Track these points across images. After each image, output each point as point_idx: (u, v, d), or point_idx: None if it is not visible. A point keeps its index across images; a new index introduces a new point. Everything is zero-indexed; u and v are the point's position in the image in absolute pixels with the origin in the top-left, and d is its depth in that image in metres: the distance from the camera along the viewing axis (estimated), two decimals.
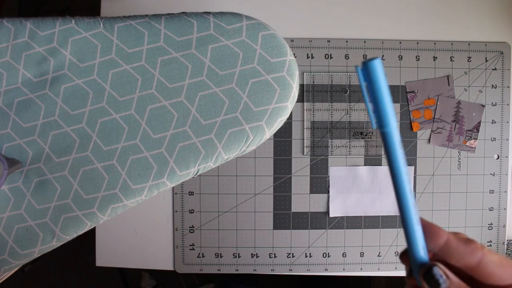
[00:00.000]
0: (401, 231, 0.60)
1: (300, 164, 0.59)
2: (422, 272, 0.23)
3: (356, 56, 0.59)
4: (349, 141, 0.59)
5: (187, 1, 0.58)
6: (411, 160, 0.60)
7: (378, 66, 0.22)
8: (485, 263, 0.22)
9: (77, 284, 1.29)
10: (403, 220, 0.25)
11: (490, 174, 0.60)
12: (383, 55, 0.59)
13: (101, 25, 0.41)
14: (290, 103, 0.42)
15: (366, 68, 0.22)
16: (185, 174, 0.41)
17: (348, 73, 0.59)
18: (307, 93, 0.59)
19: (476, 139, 0.60)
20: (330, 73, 0.59)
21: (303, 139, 0.59)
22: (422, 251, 0.24)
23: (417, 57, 0.59)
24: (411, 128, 0.59)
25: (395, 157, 0.23)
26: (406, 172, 0.24)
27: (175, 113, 0.41)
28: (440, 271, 0.22)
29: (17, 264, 0.42)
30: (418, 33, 0.60)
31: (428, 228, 0.24)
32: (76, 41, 0.41)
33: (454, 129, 0.60)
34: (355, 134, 0.59)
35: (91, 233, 0.53)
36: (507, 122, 0.60)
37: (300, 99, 0.58)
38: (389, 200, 0.60)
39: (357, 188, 0.59)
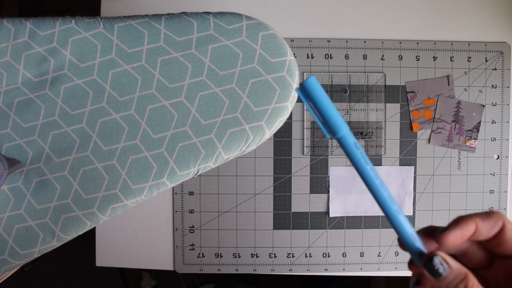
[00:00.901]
0: None
1: (300, 164, 0.59)
2: (423, 262, 0.23)
3: (356, 56, 0.59)
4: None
5: (187, 1, 0.58)
6: (411, 160, 0.60)
7: (313, 83, 0.23)
8: (506, 232, 0.23)
9: (77, 284, 1.29)
10: (385, 214, 0.25)
11: (490, 174, 0.60)
12: (383, 55, 0.59)
13: (101, 25, 0.41)
14: (290, 103, 0.42)
15: (304, 88, 0.24)
16: (185, 174, 0.41)
17: (348, 73, 0.59)
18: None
19: (476, 139, 0.60)
20: (330, 73, 0.59)
21: (303, 139, 0.59)
22: (414, 240, 0.24)
23: (417, 57, 0.59)
24: (411, 128, 0.59)
25: (355, 157, 0.24)
26: (371, 168, 0.25)
27: (175, 113, 0.41)
28: (440, 259, 0.23)
29: (17, 264, 0.42)
30: (418, 33, 0.60)
31: (457, 225, 0.24)
32: (76, 41, 0.41)
33: (454, 129, 0.60)
34: (355, 134, 0.59)
35: (91, 233, 0.53)
36: (507, 122, 0.60)
37: (300, 99, 0.58)
38: None
39: (357, 188, 0.59)
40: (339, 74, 0.59)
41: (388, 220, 0.25)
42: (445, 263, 0.23)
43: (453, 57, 0.60)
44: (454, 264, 0.23)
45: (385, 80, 0.59)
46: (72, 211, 0.41)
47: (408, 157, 0.60)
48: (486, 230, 0.23)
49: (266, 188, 0.59)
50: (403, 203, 0.60)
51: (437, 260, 0.23)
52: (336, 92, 0.59)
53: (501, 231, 0.23)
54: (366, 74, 0.59)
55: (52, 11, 1.28)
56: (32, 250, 0.41)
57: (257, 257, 0.60)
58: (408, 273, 0.61)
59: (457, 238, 0.24)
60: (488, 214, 0.24)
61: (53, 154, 0.41)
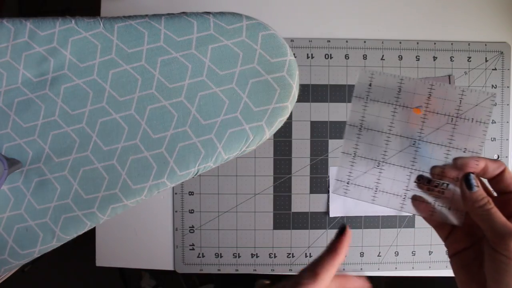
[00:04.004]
0: (401, 231, 0.60)
1: (300, 164, 0.59)
2: (462, 177, 0.32)
3: (356, 56, 0.59)
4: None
5: (187, 1, 0.58)
6: None
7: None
8: (506, 174, 0.31)
9: (77, 284, 1.29)
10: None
11: None
12: (383, 55, 0.59)
13: (101, 25, 0.41)
14: (290, 103, 0.42)
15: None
16: (185, 174, 0.41)
17: (348, 73, 0.59)
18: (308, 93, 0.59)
19: None
20: (330, 73, 0.59)
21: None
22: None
23: (417, 57, 0.59)
24: None
25: None
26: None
27: (175, 113, 0.41)
28: (473, 176, 0.31)
29: (17, 264, 0.42)
30: (418, 33, 0.60)
31: (474, 157, 0.32)
32: (76, 41, 0.41)
33: None
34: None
35: (91, 233, 0.53)
36: (507, 122, 0.60)
37: (301, 99, 0.58)
38: None
39: None
40: (339, 74, 0.59)
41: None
42: (476, 181, 0.31)
43: (453, 57, 0.60)
44: (480, 187, 0.31)
45: None
46: (72, 211, 0.41)
47: None
48: (493, 168, 0.32)
49: (266, 188, 0.59)
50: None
51: (472, 176, 0.31)
52: (336, 92, 0.59)
53: (502, 172, 0.32)
54: None
55: (52, 11, 1.28)
56: (32, 250, 0.41)
57: (257, 257, 0.60)
58: (408, 273, 0.61)
59: (473, 166, 0.32)
60: (495, 160, 0.32)
61: (53, 154, 0.41)
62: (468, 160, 0.32)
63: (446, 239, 0.35)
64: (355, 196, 0.38)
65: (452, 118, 0.35)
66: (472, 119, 0.34)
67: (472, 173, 0.31)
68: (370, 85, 0.37)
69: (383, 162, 0.37)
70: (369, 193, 0.38)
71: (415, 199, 0.35)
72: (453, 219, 0.34)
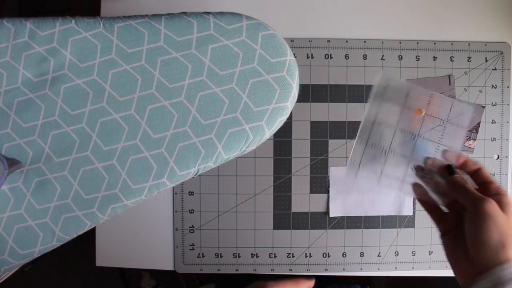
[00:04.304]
0: (401, 231, 0.60)
1: (300, 164, 0.59)
2: (446, 166, 0.41)
3: (356, 56, 0.59)
4: (348, 141, 0.59)
5: (187, 1, 0.58)
6: None
7: None
8: (481, 170, 0.40)
9: (77, 284, 1.29)
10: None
11: (490, 174, 0.60)
12: (383, 55, 0.59)
13: (101, 25, 0.41)
14: (290, 103, 0.42)
15: None
16: (185, 174, 0.41)
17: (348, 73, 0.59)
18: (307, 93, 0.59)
19: (475, 139, 0.60)
20: (330, 73, 0.59)
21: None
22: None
23: (417, 57, 0.59)
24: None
25: None
26: None
27: (175, 113, 0.41)
28: (455, 168, 0.40)
29: (17, 264, 0.42)
30: (418, 33, 0.60)
31: (456, 156, 0.41)
32: (76, 41, 0.41)
33: None
34: (355, 134, 0.59)
35: (91, 233, 0.53)
36: (507, 122, 0.60)
37: (301, 99, 0.58)
38: (389, 200, 0.60)
39: (357, 188, 0.59)
40: (339, 74, 0.59)
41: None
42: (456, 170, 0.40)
43: (453, 57, 0.60)
44: (459, 174, 0.40)
45: None
46: (72, 211, 0.41)
47: None
48: (470, 164, 0.40)
49: (266, 188, 0.59)
50: (403, 203, 0.60)
51: (453, 166, 0.40)
52: (335, 92, 0.59)
53: (479, 169, 0.40)
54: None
55: (52, 11, 1.28)
56: (32, 250, 0.41)
57: (257, 257, 0.60)
58: (408, 273, 0.61)
59: (455, 159, 0.41)
60: (474, 161, 0.41)
61: (53, 154, 0.41)
62: (453, 153, 0.42)
63: (439, 222, 0.42)
64: (364, 178, 0.46)
65: (443, 122, 0.45)
66: (457, 124, 0.44)
67: (454, 167, 0.41)
68: (385, 88, 0.45)
69: (389, 151, 0.45)
70: (375, 177, 0.46)
71: (415, 185, 0.44)
72: (438, 200, 0.42)
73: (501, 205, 0.36)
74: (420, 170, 0.43)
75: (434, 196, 0.43)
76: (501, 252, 0.34)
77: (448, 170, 0.40)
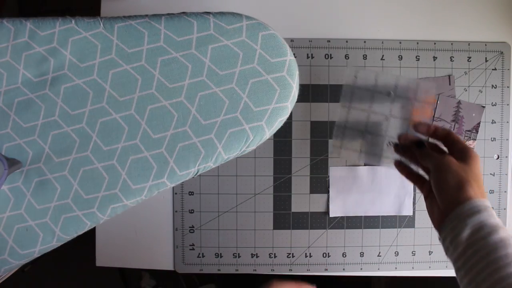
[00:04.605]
0: (400, 231, 0.60)
1: (300, 164, 0.59)
2: (415, 141, 0.46)
3: (356, 56, 0.59)
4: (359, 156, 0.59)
5: (187, 1, 0.58)
6: None
7: None
8: (451, 134, 0.44)
9: (77, 284, 1.29)
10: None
11: (490, 174, 0.60)
12: (383, 55, 0.59)
13: (101, 25, 0.41)
14: (290, 103, 0.42)
15: None
16: (185, 174, 0.41)
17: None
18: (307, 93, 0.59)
19: (475, 140, 0.60)
20: (331, 73, 0.59)
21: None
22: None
23: (417, 57, 0.59)
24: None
25: None
26: None
27: (175, 113, 0.41)
28: (423, 142, 0.46)
29: (17, 264, 0.42)
30: (418, 33, 0.60)
31: (426, 127, 0.47)
32: (76, 41, 0.41)
33: (453, 129, 0.60)
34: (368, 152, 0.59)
35: (91, 233, 0.53)
36: (507, 122, 0.60)
37: (301, 99, 0.58)
38: (389, 200, 0.60)
39: (357, 188, 0.59)
40: (339, 74, 0.59)
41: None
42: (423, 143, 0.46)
43: (453, 57, 0.60)
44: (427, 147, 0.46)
45: None
46: (72, 211, 0.41)
47: None
48: (441, 130, 0.45)
49: (266, 188, 0.59)
50: (403, 203, 0.60)
51: (422, 141, 0.45)
52: (335, 92, 0.59)
53: (449, 133, 0.45)
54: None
55: (52, 11, 1.28)
56: (32, 250, 0.41)
57: (257, 257, 0.60)
58: (408, 273, 0.61)
59: (424, 129, 0.46)
60: (444, 128, 0.46)
61: (53, 154, 0.41)
62: (423, 124, 0.47)
63: (421, 187, 0.47)
64: (345, 157, 0.54)
65: (411, 101, 0.51)
66: (423, 101, 0.50)
67: (421, 140, 0.46)
68: (355, 76, 0.51)
69: (365, 132, 0.52)
70: (355, 155, 0.53)
71: (396, 163, 0.50)
72: (417, 168, 0.48)
73: (463, 156, 0.42)
74: (396, 146, 0.50)
75: (414, 166, 0.49)
76: (459, 194, 0.39)
77: (417, 143, 0.46)
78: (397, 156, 0.50)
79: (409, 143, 0.47)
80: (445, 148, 0.45)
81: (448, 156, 0.43)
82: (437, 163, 0.43)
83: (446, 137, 0.45)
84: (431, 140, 0.47)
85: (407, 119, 0.50)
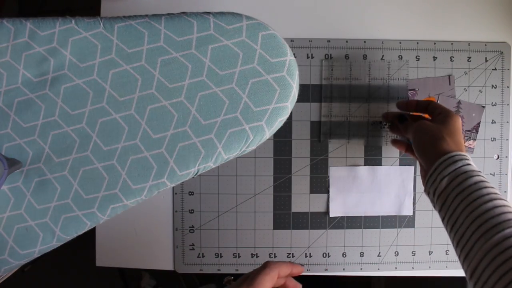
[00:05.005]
0: (400, 231, 0.60)
1: (300, 164, 0.59)
2: (397, 117, 0.53)
3: (356, 56, 0.59)
4: (348, 141, 0.59)
5: (187, 1, 0.58)
6: (411, 160, 0.60)
7: None
8: (432, 103, 0.49)
9: (77, 284, 1.29)
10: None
11: (490, 174, 0.60)
12: (383, 55, 0.59)
13: (101, 25, 0.41)
14: (290, 103, 0.42)
15: None
16: (185, 174, 0.41)
17: (351, 73, 0.59)
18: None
19: (475, 139, 0.60)
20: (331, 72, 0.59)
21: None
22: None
23: (417, 57, 0.59)
24: None
25: None
26: None
27: (175, 113, 0.41)
28: (404, 117, 0.52)
29: (17, 264, 0.42)
30: (418, 33, 0.60)
31: (406, 103, 0.53)
32: (76, 41, 0.41)
33: None
34: (354, 134, 0.59)
35: (91, 233, 0.53)
36: (507, 122, 0.60)
37: (301, 99, 0.58)
38: (389, 200, 0.60)
39: (357, 188, 0.59)
40: (340, 72, 0.59)
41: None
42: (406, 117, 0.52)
43: (453, 57, 0.60)
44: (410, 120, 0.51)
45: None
46: (72, 211, 0.41)
47: (408, 157, 0.59)
48: (423, 102, 0.51)
49: (266, 188, 0.59)
50: (403, 203, 0.60)
51: (404, 116, 0.52)
52: (335, 92, 0.59)
53: (430, 102, 0.49)
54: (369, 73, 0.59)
55: (52, 11, 1.28)
56: (32, 250, 0.41)
57: (257, 257, 0.60)
58: (408, 273, 0.61)
59: (404, 105, 0.53)
60: (424, 100, 0.53)
61: (53, 154, 0.41)
62: (403, 101, 0.54)
63: (406, 150, 0.54)
64: (335, 143, 0.59)
65: (386, 80, 0.58)
66: (398, 78, 0.58)
67: (403, 114, 0.52)
68: (332, 69, 0.58)
69: (349, 117, 0.58)
70: (344, 139, 0.59)
71: (393, 141, 0.57)
72: (404, 139, 0.55)
73: (442, 118, 0.46)
74: (391, 126, 0.56)
75: (404, 138, 0.56)
76: (435, 150, 0.43)
77: (399, 119, 0.52)
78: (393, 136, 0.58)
79: (392, 119, 0.53)
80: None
81: (421, 120, 0.47)
82: (413, 129, 0.47)
83: (427, 107, 0.49)
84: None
85: (385, 98, 0.57)
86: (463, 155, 0.41)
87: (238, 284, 0.36)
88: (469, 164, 0.40)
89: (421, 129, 0.46)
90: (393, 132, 0.56)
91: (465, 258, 0.36)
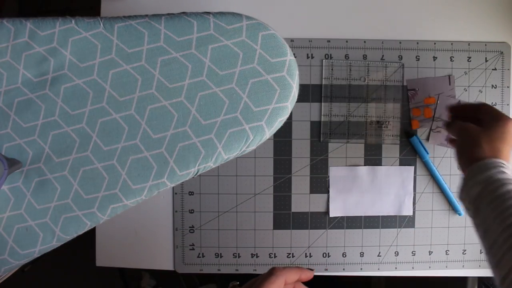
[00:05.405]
0: (400, 231, 0.60)
1: (300, 164, 0.59)
2: (445, 123, 0.53)
3: (356, 56, 0.59)
4: (348, 141, 0.59)
5: (187, 1, 0.58)
6: (411, 160, 0.60)
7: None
8: (483, 106, 0.48)
9: (77, 284, 1.29)
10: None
11: None
12: (383, 55, 0.59)
13: (101, 25, 0.41)
14: (290, 103, 0.42)
15: None
16: (185, 174, 0.41)
17: (350, 73, 0.59)
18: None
19: None
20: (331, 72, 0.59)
21: (320, 125, 0.59)
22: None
23: (417, 57, 0.59)
24: (411, 126, 0.59)
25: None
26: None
27: (175, 113, 0.41)
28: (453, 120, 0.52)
29: (17, 264, 0.42)
30: (418, 33, 0.60)
31: (453, 105, 0.53)
32: (76, 41, 0.41)
33: None
34: (354, 134, 0.59)
35: (91, 233, 0.53)
36: None
37: (301, 99, 0.58)
38: (389, 200, 0.60)
39: (357, 188, 0.59)
40: (341, 74, 0.59)
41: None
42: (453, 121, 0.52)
43: (453, 57, 0.60)
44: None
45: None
46: (72, 211, 0.41)
47: (408, 157, 0.60)
48: (472, 104, 0.50)
49: (266, 188, 0.59)
50: (403, 203, 0.60)
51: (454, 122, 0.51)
52: (336, 91, 0.59)
53: (482, 106, 0.48)
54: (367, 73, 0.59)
55: (52, 11, 1.28)
56: (32, 250, 0.41)
57: (257, 257, 0.60)
58: (408, 274, 0.61)
59: (458, 109, 0.52)
60: (474, 104, 0.50)
61: (53, 154, 0.41)
62: (456, 104, 0.54)
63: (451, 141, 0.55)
64: (336, 143, 0.59)
65: (383, 82, 0.59)
66: (394, 80, 0.59)
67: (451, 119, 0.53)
68: (332, 69, 0.59)
69: (349, 116, 0.59)
70: (344, 140, 0.59)
71: (448, 138, 0.57)
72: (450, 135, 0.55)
73: (489, 120, 0.45)
74: (447, 124, 0.53)
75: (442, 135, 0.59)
76: (471, 156, 0.43)
77: (446, 125, 0.52)
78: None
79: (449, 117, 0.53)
80: None
81: (464, 122, 0.46)
82: (456, 132, 0.48)
83: (479, 109, 0.48)
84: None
85: (382, 98, 0.58)
86: (498, 162, 0.41)
87: None
88: (503, 172, 0.40)
89: (461, 133, 0.46)
90: (447, 130, 0.53)
91: (496, 265, 0.36)
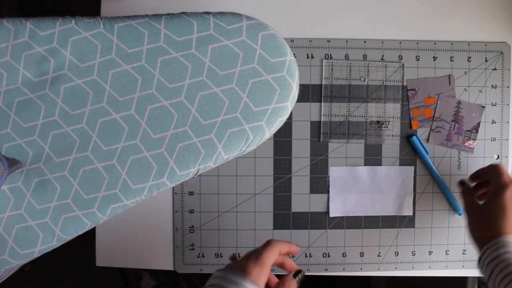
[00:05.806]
0: (400, 231, 0.60)
1: (300, 164, 0.59)
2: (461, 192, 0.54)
3: (356, 56, 0.59)
4: (348, 141, 0.59)
5: (187, 1, 0.58)
6: (411, 160, 0.60)
7: None
8: (493, 171, 0.50)
9: (77, 284, 1.29)
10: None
11: None
12: (383, 55, 0.59)
13: (101, 25, 0.41)
14: (290, 103, 0.42)
15: None
16: (185, 174, 0.41)
17: (349, 73, 0.59)
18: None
19: (475, 139, 0.60)
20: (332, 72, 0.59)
21: (320, 125, 0.59)
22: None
23: (417, 57, 0.59)
24: (411, 126, 0.59)
25: None
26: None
27: (175, 113, 0.41)
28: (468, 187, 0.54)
29: (17, 264, 0.42)
30: (418, 33, 0.60)
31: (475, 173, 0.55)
32: (76, 41, 0.41)
33: (453, 129, 0.60)
34: (353, 134, 0.59)
35: (91, 233, 0.53)
36: (507, 122, 0.60)
37: (301, 99, 0.58)
38: (389, 200, 0.60)
39: (357, 188, 0.59)
40: (341, 73, 0.59)
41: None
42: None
43: (453, 57, 0.60)
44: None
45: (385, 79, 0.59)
46: (72, 211, 0.41)
47: (408, 157, 0.60)
48: (482, 170, 0.54)
49: (266, 188, 0.59)
50: (403, 203, 0.60)
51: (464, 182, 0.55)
52: (336, 91, 0.59)
53: (489, 169, 0.51)
54: (367, 73, 0.59)
55: (52, 11, 1.28)
56: (32, 250, 0.41)
57: None
58: (408, 274, 0.61)
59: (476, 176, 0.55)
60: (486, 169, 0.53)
61: (53, 154, 0.41)
62: (475, 173, 0.55)
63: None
64: (335, 142, 0.59)
65: (383, 82, 0.59)
66: (394, 80, 0.59)
67: (463, 181, 0.55)
68: (332, 69, 0.59)
69: (348, 116, 0.58)
70: (344, 140, 0.59)
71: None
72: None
73: (493, 191, 0.47)
74: (462, 186, 0.55)
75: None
76: (476, 236, 0.47)
77: (462, 192, 0.53)
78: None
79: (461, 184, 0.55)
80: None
81: (467, 199, 0.51)
82: (462, 207, 0.52)
83: (489, 172, 0.51)
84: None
85: (382, 99, 0.58)
86: (504, 241, 0.43)
87: (245, 258, 0.38)
88: (507, 252, 0.42)
89: (465, 210, 0.51)
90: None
91: None
